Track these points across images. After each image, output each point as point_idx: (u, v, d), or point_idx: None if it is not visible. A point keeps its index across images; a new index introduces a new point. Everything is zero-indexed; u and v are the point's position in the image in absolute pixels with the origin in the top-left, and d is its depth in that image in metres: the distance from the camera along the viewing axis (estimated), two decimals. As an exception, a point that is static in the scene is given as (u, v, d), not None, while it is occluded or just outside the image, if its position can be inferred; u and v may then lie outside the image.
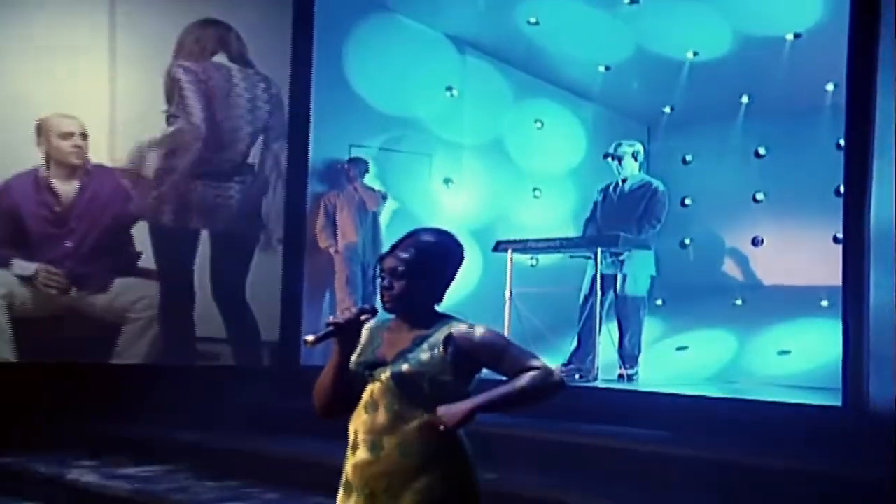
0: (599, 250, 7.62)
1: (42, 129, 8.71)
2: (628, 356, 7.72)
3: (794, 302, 8.67)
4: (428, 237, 3.19)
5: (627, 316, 7.76)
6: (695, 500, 4.99)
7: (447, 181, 9.65)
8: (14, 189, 8.66)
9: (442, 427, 2.91)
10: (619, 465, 5.52)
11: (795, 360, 8.08)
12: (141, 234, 8.83)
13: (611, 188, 8.29)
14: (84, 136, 8.72)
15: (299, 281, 8.88)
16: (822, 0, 7.97)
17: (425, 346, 3.03)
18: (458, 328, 3.06)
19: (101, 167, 8.78)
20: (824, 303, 8.23)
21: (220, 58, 8.93)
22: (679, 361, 8.60)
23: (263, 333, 8.90)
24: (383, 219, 8.99)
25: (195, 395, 8.09)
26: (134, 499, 6.26)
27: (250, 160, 8.96)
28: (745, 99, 9.36)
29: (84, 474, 6.87)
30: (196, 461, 7.04)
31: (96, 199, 8.78)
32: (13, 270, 8.60)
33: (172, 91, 8.82)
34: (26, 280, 8.61)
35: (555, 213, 9.91)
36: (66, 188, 8.74)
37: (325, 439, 6.27)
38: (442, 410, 2.92)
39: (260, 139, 8.97)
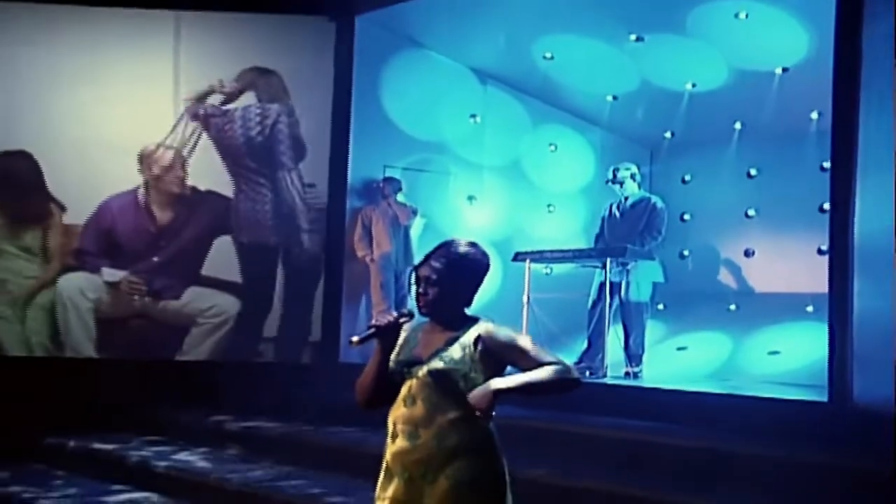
0: (609, 260, 7.64)
1: (144, 160, 8.90)
2: (633, 355, 7.72)
3: (782, 307, 8.68)
4: (458, 248, 3.24)
5: (632, 319, 7.75)
6: (695, 484, 4.97)
7: (470, 198, 9.63)
8: (113, 208, 8.91)
9: (478, 413, 2.96)
10: (625, 453, 5.52)
11: (784, 360, 8.08)
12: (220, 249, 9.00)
13: (615, 206, 8.33)
14: (184, 165, 8.91)
15: (339, 286, 8.88)
16: (806, 38, 7.94)
17: (457, 345, 3.09)
18: (486, 329, 3.12)
19: (195, 190, 8.95)
20: (809, 308, 8.25)
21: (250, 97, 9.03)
22: (679, 360, 8.61)
23: (307, 332, 8.89)
24: (414, 231, 8.96)
25: (249, 388, 8.29)
26: (208, 481, 6.29)
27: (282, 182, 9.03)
28: (738, 126, 9.39)
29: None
30: (247, 445, 7.07)
31: (189, 221, 8.94)
32: (102, 276, 8.80)
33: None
34: (112, 286, 8.81)
35: (567, 227, 9.91)
36: (164, 212, 8.93)
37: (362, 429, 6.46)
38: (471, 398, 2.99)
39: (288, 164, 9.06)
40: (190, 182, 8.98)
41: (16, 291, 8.86)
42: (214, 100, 8.98)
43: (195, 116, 8.93)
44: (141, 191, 8.95)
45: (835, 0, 5.89)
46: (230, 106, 8.98)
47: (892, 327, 5.02)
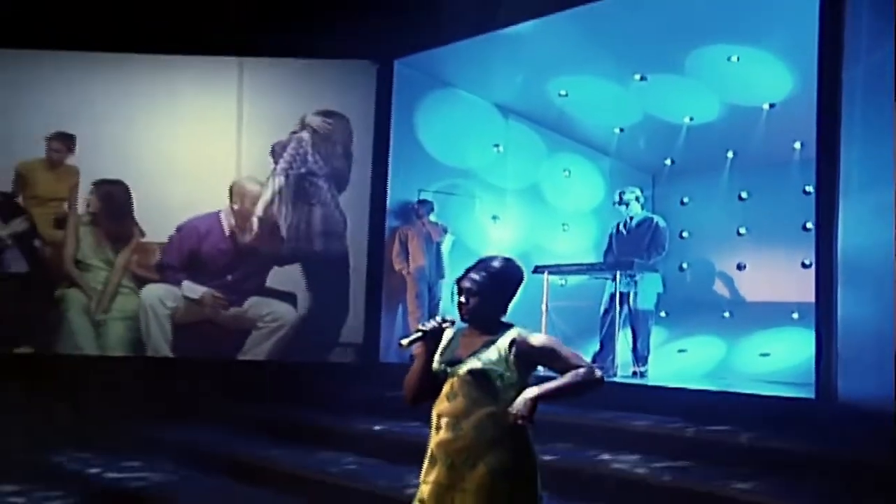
0: (618, 273, 7.64)
1: (234, 191, 9.10)
2: (640, 357, 7.72)
3: (770, 314, 8.63)
4: (495, 263, 3.26)
5: (639, 325, 7.75)
6: (697, 469, 4.99)
7: (494, 218, 9.60)
8: (197, 228, 9.06)
9: (520, 420, 2.97)
10: (634, 441, 5.55)
11: (773, 361, 8.01)
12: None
13: (621, 224, 8.34)
14: (271, 201, 9.05)
15: (379, 295, 8.91)
16: (790, 78, 7.93)
17: (494, 348, 3.11)
18: (520, 334, 3.15)
19: (269, 216, 9.08)
20: (795, 315, 8.22)
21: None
22: (680, 361, 8.57)
23: (350, 337, 8.93)
24: (444, 247, 8.93)
25: (300, 384, 8.29)
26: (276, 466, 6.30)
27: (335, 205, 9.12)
28: (730, 154, 9.30)
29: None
30: (300, 434, 7.08)
31: (263, 243, 9.07)
32: (183, 291, 8.94)
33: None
34: (190, 299, 8.97)
35: (580, 243, 9.86)
36: (245, 236, 9.02)
37: (402, 420, 6.44)
38: (514, 407, 3.00)
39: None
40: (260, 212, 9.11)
41: (100, 299, 9.04)
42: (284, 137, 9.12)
43: (273, 153, 9.08)
44: (223, 216, 9.06)
45: (816, 44, 5.88)
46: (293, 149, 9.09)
47: (873, 332, 5.03)
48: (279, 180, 9.08)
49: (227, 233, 9.08)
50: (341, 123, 9.13)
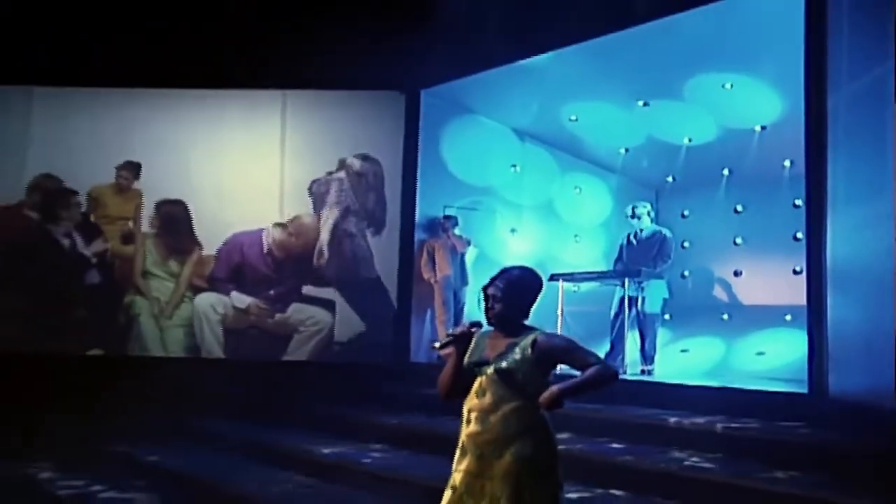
0: (627, 280, 7.65)
1: (294, 221, 9.20)
2: (647, 356, 7.71)
3: (765, 317, 8.61)
4: (517, 272, 3.29)
5: (646, 327, 7.74)
6: (698, 456, 5.00)
7: (513, 231, 9.61)
8: (242, 243, 9.18)
9: (544, 410, 3.03)
10: (642, 433, 5.56)
11: (768, 359, 8.04)
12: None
13: (632, 235, 8.34)
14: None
15: (408, 302, 8.93)
16: (780, 103, 7.96)
17: (517, 349, 3.13)
18: (540, 336, 3.16)
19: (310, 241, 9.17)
20: (788, 317, 8.20)
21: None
22: (683, 360, 8.58)
23: (383, 339, 8.91)
24: (468, 258, 8.93)
25: (338, 382, 8.36)
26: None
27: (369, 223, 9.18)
28: (726, 172, 9.33)
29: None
30: (337, 426, 7.07)
31: (300, 260, 9.14)
32: (232, 301, 9.06)
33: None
34: (238, 308, 9.07)
35: (590, 253, 9.87)
36: (283, 253, 9.09)
37: (432, 415, 6.47)
38: (542, 401, 3.06)
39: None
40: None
41: (163, 307, 9.16)
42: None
43: (310, 191, 9.20)
44: (265, 234, 9.14)
45: (803, 72, 5.88)
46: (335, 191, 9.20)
47: (860, 332, 5.03)
48: (324, 215, 9.17)
49: (266, 249, 9.15)
50: (373, 148, 9.19)
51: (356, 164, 9.19)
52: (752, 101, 8.10)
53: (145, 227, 9.32)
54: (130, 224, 9.35)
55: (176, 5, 8.62)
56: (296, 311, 9.07)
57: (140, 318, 9.18)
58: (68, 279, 9.26)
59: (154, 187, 9.31)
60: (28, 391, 7.87)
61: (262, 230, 9.15)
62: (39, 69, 9.13)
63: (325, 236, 9.13)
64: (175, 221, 9.25)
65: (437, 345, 3.33)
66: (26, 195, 9.33)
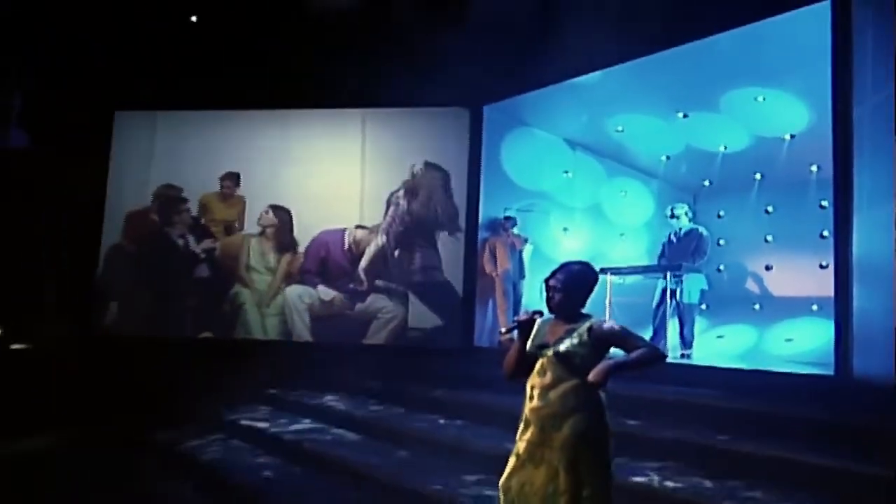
0: (669, 273, 7.61)
1: (355, 236, 9.31)
2: (686, 342, 7.63)
3: (794, 307, 8.44)
4: (575, 266, 3.31)
5: (685, 316, 7.67)
6: (733, 433, 4.94)
7: (565, 230, 9.57)
8: (327, 241, 9.31)
9: (595, 382, 3.03)
10: (682, 411, 5.51)
11: (796, 345, 7.89)
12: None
13: (672, 234, 8.27)
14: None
15: (473, 293, 8.93)
16: (808, 113, 7.79)
17: (575, 334, 3.16)
18: (596, 323, 3.18)
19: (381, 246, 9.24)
20: (814, 307, 8.04)
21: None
22: (718, 345, 8.47)
23: (451, 326, 8.95)
24: (525, 254, 8.89)
25: (410, 363, 8.41)
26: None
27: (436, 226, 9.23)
28: (758, 176, 9.16)
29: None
30: (408, 402, 7.13)
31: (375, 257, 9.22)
32: (318, 293, 9.20)
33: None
34: (325, 301, 9.22)
35: (634, 250, 9.75)
36: (361, 251, 9.21)
37: (495, 392, 6.39)
38: (593, 374, 3.09)
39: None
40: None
41: (262, 298, 9.37)
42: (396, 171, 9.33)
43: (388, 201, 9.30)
44: (347, 233, 9.27)
45: (830, 85, 5.78)
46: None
47: (882, 320, 4.94)
48: (389, 219, 9.28)
49: (347, 246, 9.26)
50: (442, 159, 9.23)
51: (422, 170, 9.25)
52: (782, 113, 7.95)
53: (248, 228, 9.54)
54: (236, 226, 9.62)
55: (272, 42, 8.87)
56: (374, 300, 9.17)
57: (244, 307, 9.43)
58: (183, 273, 9.60)
59: (254, 194, 9.55)
60: (153, 367, 8.18)
61: (344, 229, 9.28)
62: (160, 96, 9.53)
63: (391, 238, 9.20)
64: (281, 224, 9.48)
65: (503, 330, 3.39)
66: (151, 202, 9.73)
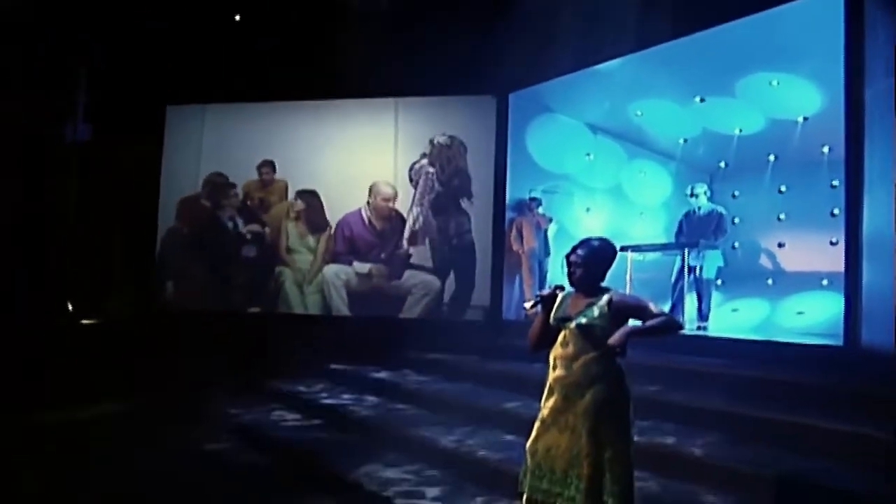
0: (687, 250, 7.55)
1: (372, 190, 9.30)
2: (703, 315, 7.60)
3: (805, 282, 8.35)
4: (595, 242, 3.29)
5: (702, 290, 7.63)
6: (748, 400, 4.92)
7: (587, 209, 9.53)
8: (350, 221, 9.34)
9: (617, 349, 3.03)
10: (699, 379, 5.51)
11: (806, 318, 7.82)
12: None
13: (691, 213, 8.19)
14: (395, 197, 9.27)
15: (501, 270, 8.93)
16: (820, 97, 7.65)
17: (595, 307, 3.14)
18: (615, 295, 3.16)
19: (397, 213, 9.28)
20: (825, 282, 7.96)
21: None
22: (733, 318, 8.41)
23: (480, 301, 8.99)
24: (550, 233, 8.89)
25: (443, 335, 8.42)
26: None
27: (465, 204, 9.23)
28: (771, 157, 9.01)
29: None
30: (443, 370, 7.19)
31: (394, 232, 9.26)
32: (354, 268, 9.26)
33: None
34: (361, 275, 9.27)
35: (653, 228, 9.69)
36: (380, 223, 9.23)
37: (521, 362, 6.37)
38: (612, 339, 3.07)
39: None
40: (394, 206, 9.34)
41: (304, 276, 9.47)
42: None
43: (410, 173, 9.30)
44: (363, 210, 9.32)
45: (842, 70, 5.67)
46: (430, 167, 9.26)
47: (889, 294, 4.90)
48: (419, 196, 9.26)
49: (367, 222, 9.31)
50: (470, 144, 9.21)
51: (442, 139, 9.22)
52: (796, 96, 7.81)
53: (287, 213, 9.66)
54: (277, 210, 9.73)
55: (310, 39, 8.94)
56: (409, 277, 9.21)
57: (285, 285, 9.57)
58: (231, 253, 9.77)
59: (295, 180, 9.65)
60: (206, 340, 8.36)
61: (360, 208, 9.37)
62: (208, 92, 9.71)
63: (425, 208, 9.20)
64: (310, 207, 9.56)
65: (527, 305, 3.36)
66: (202, 188, 9.89)
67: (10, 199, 8.60)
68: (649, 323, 3.06)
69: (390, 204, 9.32)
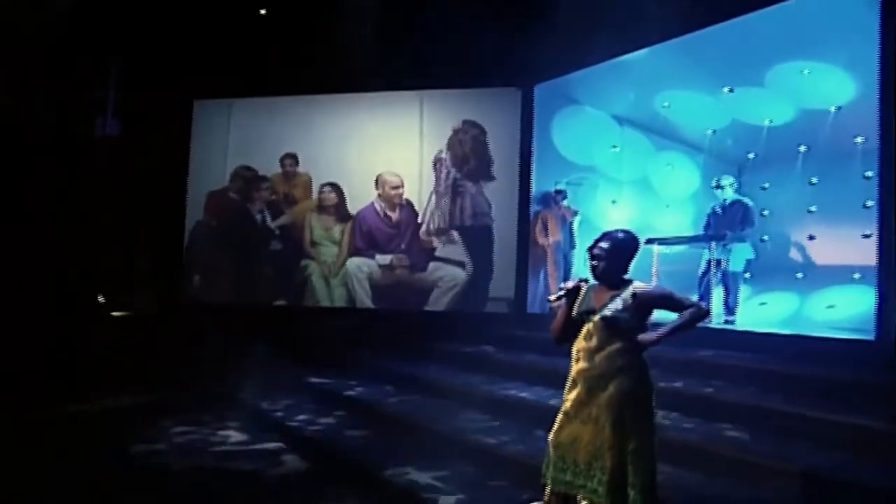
0: (714, 243, 7.46)
1: (379, 181, 9.32)
2: (731, 308, 7.48)
3: (835, 275, 8.14)
4: (618, 234, 3.28)
5: (730, 283, 7.50)
6: (777, 393, 4.89)
7: (613, 202, 9.45)
8: (365, 215, 9.44)
9: (643, 347, 3.04)
10: (726, 372, 5.47)
11: (837, 312, 7.66)
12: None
13: (717, 205, 8.06)
14: (402, 185, 9.26)
15: (526, 263, 8.91)
16: (853, 85, 7.46)
17: (619, 300, 3.15)
18: (639, 287, 3.16)
19: (408, 202, 9.28)
20: (856, 276, 7.71)
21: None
22: (762, 312, 8.25)
23: (505, 293, 8.94)
24: (575, 225, 8.83)
25: (469, 328, 8.39)
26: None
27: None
28: (802, 148, 8.80)
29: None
30: (470, 363, 7.14)
31: (409, 221, 9.25)
32: (377, 260, 9.30)
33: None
34: (384, 266, 9.30)
35: (680, 220, 9.51)
36: (393, 214, 9.23)
37: (546, 355, 6.45)
38: (642, 340, 3.07)
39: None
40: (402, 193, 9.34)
41: (329, 268, 9.51)
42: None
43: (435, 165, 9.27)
44: (375, 202, 9.37)
45: (877, 58, 5.56)
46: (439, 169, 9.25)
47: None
48: (440, 188, 9.25)
49: (382, 215, 9.33)
50: (494, 135, 9.18)
51: (462, 126, 9.21)
52: (828, 85, 7.65)
53: (311, 206, 9.73)
54: (302, 204, 9.79)
55: (336, 32, 8.95)
56: (434, 269, 9.21)
57: (312, 278, 9.63)
58: (259, 246, 9.86)
59: (320, 173, 9.70)
60: (232, 331, 8.42)
61: (372, 202, 9.42)
62: (234, 86, 9.81)
63: (441, 194, 9.19)
64: (328, 199, 9.61)
65: (551, 298, 3.36)
66: (229, 182, 9.99)
67: (41, 194, 8.74)
68: (680, 320, 3.05)
69: (399, 191, 9.35)
